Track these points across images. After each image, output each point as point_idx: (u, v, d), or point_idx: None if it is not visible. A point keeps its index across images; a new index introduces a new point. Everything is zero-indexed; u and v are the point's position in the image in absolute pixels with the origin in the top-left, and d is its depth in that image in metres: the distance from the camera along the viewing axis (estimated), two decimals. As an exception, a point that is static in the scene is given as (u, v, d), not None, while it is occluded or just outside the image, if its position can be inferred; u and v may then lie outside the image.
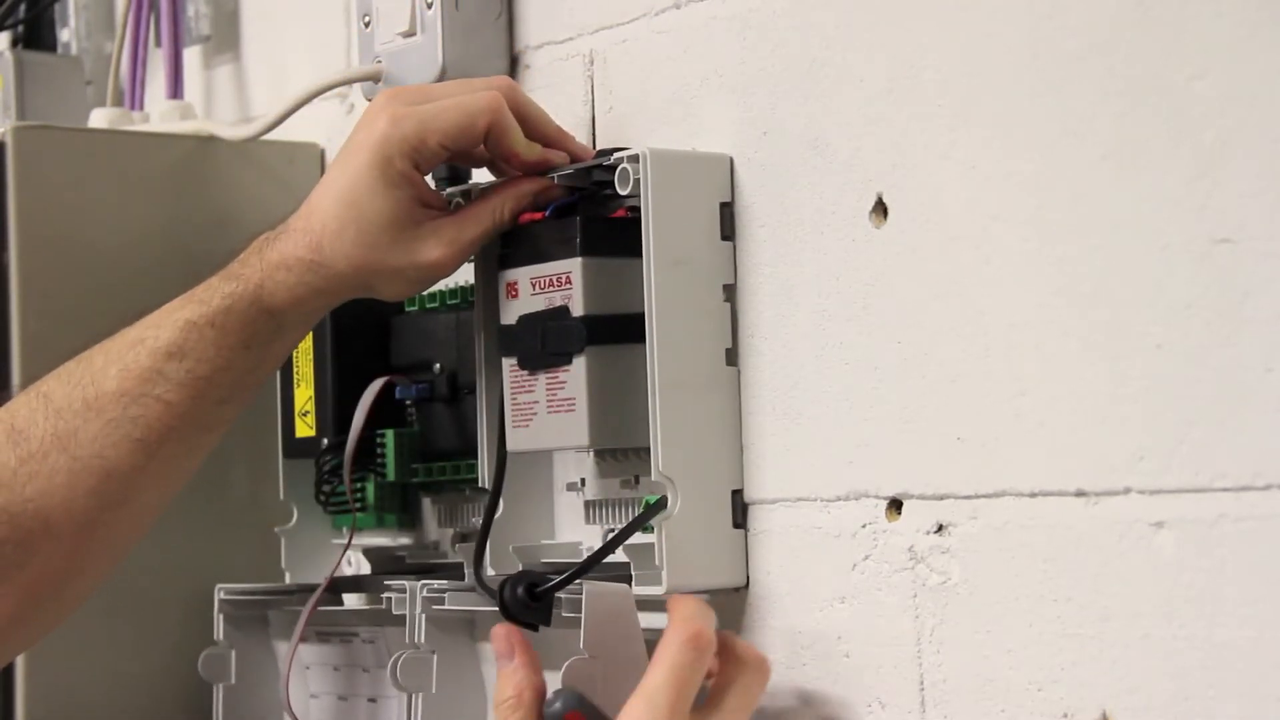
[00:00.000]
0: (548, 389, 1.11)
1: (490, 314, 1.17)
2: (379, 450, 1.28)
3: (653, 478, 1.08)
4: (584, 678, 1.03)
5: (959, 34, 1.01)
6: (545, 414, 1.12)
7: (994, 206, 1.00)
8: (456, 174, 1.23)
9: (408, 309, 1.30)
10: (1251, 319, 0.89)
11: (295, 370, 1.33)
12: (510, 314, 1.14)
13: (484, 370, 1.18)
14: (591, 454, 1.17)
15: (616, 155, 1.10)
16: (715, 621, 1.02)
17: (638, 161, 1.09)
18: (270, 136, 1.40)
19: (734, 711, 1.02)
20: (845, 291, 1.07)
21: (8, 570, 1.11)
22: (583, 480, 1.18)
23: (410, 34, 1.28)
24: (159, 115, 1.54)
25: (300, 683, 1.31)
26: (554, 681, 1.03)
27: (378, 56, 1.30)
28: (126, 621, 1.38)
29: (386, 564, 1.33)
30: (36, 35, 1.75)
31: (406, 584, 1.20)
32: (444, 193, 1.18)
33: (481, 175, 1.19)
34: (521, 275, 1.13)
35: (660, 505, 1.08)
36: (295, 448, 1.34)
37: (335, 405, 1.31)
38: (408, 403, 1.28)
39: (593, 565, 1.07)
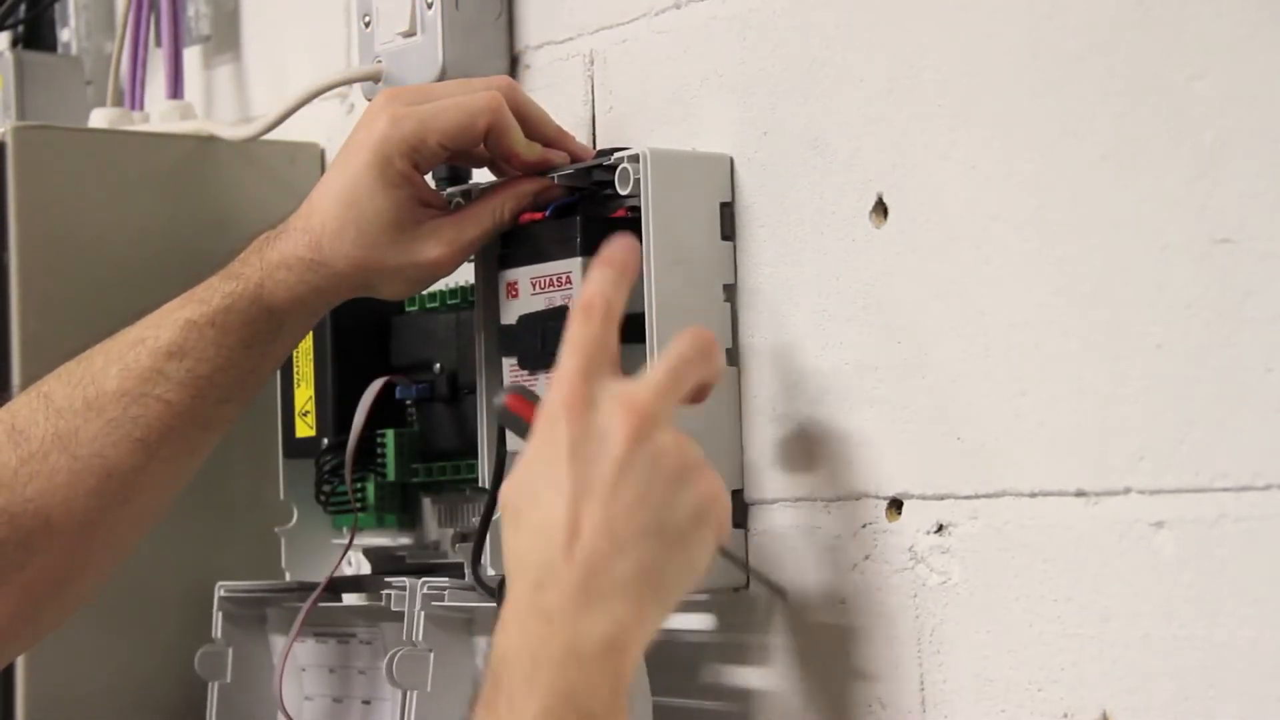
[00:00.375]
0: (548, 389, 1.11)
1: (490, 314, 1.17)
2: (379, 450, 1.28)
3: (653, 477, 1.08)
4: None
5: (959, 34, 1.01)
6: (545, 414, 1.11)
7: (994, 206, 1.00)
8: (456, 174, 1.23)
9: (408, 309, 1.29)
10: (1251, 319, 0.89)
11: (295, 370, 1.33)
12: (510, 314, 1.14)
13: (484, 370, 1.17)
14: (591, 454, 1.17)
15: (616, 155, 1.10)
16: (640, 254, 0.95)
17: (638, 161, 1.09)
18: (270, 136, 1.39)
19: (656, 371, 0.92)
20: (845, 291, 1.07)
21: (8, 570, 1.11)
22: (582, 480, 1.18)
23: (410, 34, 1.28)
24: (159, 115, 1.54)
25: (295, 684, 1.31)
26: None
27: (378, 56, 1.30)
28: (126, 622, 1.38)
29: (387, 564, 1.32)
30: (36, 35, 1.75)
31: (406, 581, 1.20)
32: (444, 193, 1.18)
33: (482, 175, 1.19)
34: (521, 275, 1.13)
35: (660, 505, 1.08)
36: (295, 448, 1.34)
37: (335, 405, 1.31)
38: (408, 403, 1.28)
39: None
